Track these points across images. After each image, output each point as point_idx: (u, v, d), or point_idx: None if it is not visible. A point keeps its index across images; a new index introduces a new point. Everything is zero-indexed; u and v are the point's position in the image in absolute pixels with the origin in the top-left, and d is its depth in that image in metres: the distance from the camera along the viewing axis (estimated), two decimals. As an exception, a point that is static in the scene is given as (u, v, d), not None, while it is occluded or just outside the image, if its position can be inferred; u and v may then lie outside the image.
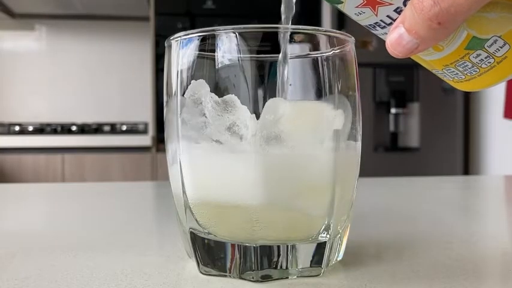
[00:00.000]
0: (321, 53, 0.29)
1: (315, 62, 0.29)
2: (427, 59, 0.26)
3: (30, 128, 2.43)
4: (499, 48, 0.24)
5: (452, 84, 0.28)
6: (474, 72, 0.25)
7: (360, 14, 0.24)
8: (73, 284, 0.28)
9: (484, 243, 0.40)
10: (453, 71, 0.26)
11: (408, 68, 2.19)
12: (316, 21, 2.32)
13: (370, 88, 2.16)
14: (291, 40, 0.29)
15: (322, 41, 0.29)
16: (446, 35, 0.22)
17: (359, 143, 0.32)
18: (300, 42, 0.29)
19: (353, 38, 0.31)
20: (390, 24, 0.24)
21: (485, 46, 0.24)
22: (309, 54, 0.29)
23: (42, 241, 0.39)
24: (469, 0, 0.20)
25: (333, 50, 0.29)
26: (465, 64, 0.25)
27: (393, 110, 2.17)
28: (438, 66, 0.26)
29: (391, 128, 2.19)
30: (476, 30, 0.24)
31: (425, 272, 0.30)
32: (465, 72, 0.26)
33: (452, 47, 0.24)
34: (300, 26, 0.29)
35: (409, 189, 0.80)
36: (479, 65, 0.25)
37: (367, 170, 1.80)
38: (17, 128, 2.44)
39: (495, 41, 0.24)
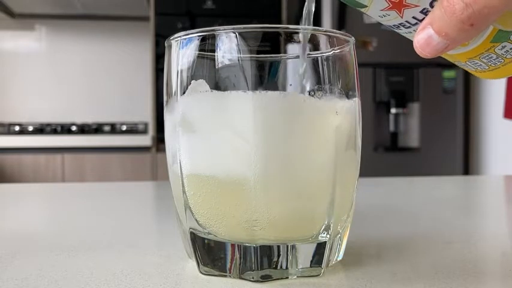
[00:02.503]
0: (321, 53, 0.29)
1: (315, 62, 0.29)
2: (451, 53, 0.26)
3: (30, 128, 2.43)
4: None
5: (473, 74, 0.28)
6: (498, 63, 0.26)
7: (385, 16, 0.25)
8: (73, 284, 0.28)
9: (484, 243, 0.40)
10: (477, 63, 0.26)
11: (408, 68, 2.19)
12: (316, 21, 2.32)
13: (370, 88, 2.16)
14: (291, 40, 0.29)
15: (322, 41, 0.29)
16: (476, 34, 0.22)
17: (359, 143, 0.32)
18: (300, 42, 0.29)
19: (353, 38, 0.31)
20: (415, 24, 0.24)
21: (511, 38, 0.24)
22: (309, 54, 0.29)
23: (42, 241, 0.39)
24: (502, 0, 0.20)
25: (333, 50, 0.29)
26: (490, 56, 0.25)
27: (393, 110, 2.17)
28: (462, 59, 0.26)
29: (391, 128, 2.19)
30: (501, 24, 0.24)
31: (425, 272, 0.30)
32: (489, 63, 0.26)
33: (478, 42, 0.25)
34: (300, 26, 0.29)
35: (409, 189, 0.80)
36: (505, 55, 0.25)
37: (367, 170, 1.80)
38: (17, 128, 2.44)
39: None
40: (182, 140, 0.30)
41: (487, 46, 0.25)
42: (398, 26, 0.25)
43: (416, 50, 0.23)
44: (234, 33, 0.28)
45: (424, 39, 0.23)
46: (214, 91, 0.28)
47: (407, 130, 2.22)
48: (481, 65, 0.26)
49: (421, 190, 0.79)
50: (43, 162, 2.14)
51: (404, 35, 0.26)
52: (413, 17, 0.24)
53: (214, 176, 0.28)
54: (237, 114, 0.28)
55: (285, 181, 0.28)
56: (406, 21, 0.24)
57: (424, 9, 0.23)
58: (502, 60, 0.25)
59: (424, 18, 0.23)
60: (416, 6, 0.23)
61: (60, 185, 1.10)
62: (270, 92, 0.28)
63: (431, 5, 0.23)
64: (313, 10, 0.29)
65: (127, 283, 0.28)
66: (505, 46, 0.25)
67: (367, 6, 0.24)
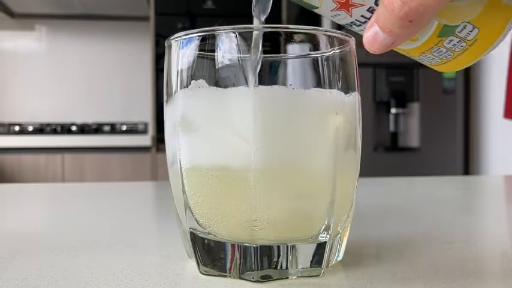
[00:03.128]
0: (321, 53, 0.29)
1: (315, 62, 0.29)
2: (404, 48, 0.27)
3: (30, 128, 2.43)
4: (469, 33, 0.26)
5: (430, 66, 0.29)
6: (449, 56, 0.27)
7: (336, 16, 0.26)
8: (73, 284, 0.28)
9: (484, 243, 0.40)
10: (429, 56, 0.28)
11: (408, 68, 2.19)
12: (316, 21, 2.32)
13: (370, 88, 2.16)
14: (291, 40, 0.29)
15: (322, 41, 0.29)
16: (418, 30, 0.24)
17: (359, 143, 0.32)
18: (300, 42, 0.29)
19: (353, 38, 0.31)
20: (365, 22, 0.25)
21: (456, 32, 0.26)
22: (309, 54, 0.29)
23: (42, 241, 0.39)
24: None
25: (333, 50, 0.29)
26: (440, 50, 0.27)
27: (393, 110, 2.17)
28: (415, 54, 0.28)
29: (391, 128, 2.19)
30: (446, 18, 0.25)
31: (425, 272, 0.30)
32: (441, 57, 0.27)
33: (426, 36, 0.26)
34: (300, 26, 0.29)
35: (409, 189, 0.80)
36: (453, 49, 0.26)
37: (367, 170, 1.80)
38: (17, 128, 2.44)
39: (464, 27, 0.25)
40: (182, 140, 0.30)
41: (435, 41, 0.26)
42: (351, 25, 0.27)
43: (365, 46, 0.25)
44: (234, 33, 0.28)
45: (371, 36, 0.24)
46: (214, 87, 0.28)
47: (407, 130, 2.22)
48: (433, 58, 0.28)
49: (421, 190, 0.79)
50: (43, 162, 2.14)
51: (359, 32, 0.27)
52: (362, 16, 0.25)
53: (214, 176, 0.28)
54: (237, 114, 0.28)
55: (285, 181, 0.28)
56: (356, 19, 0.26)
57: (370, 7, 0.25)
58: (452, 54, 0.27)
59: (370, 17, 0.25)
60: (363, 5, 0.25)
61: (60, 185, 1.10)
62: (269, 88, 0.28)
63: (376, 4, 0.24)
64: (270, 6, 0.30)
65: (127, 283, 0.28)
66: (452, 40, 0.26)
67: (318, 7, 0.25)
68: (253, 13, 0.29)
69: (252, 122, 0.27)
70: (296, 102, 0.28)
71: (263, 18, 0.29)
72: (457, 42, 0.26)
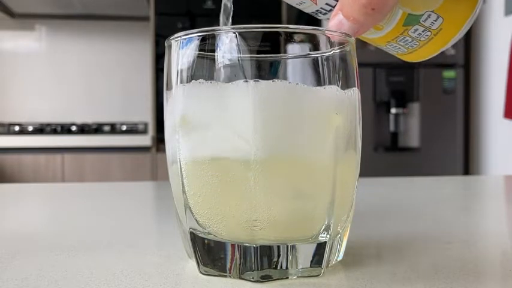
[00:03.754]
0: (321, 53, 0.29)
1: (315, 62, 0.29)
2: (370, 37, 0.28)
3: (30, 128, 2.43)
4: (434, 22, 0.26)
5: (397, 56, 0.30)
6: (415, 45, 0.28)
7: (301, 4, 0.26)
8: (73, 284, 0.28)
9: (484, 243, 0.40)
10: (395, 46, 0.28)
11: (408, 68, 2.19)
12: (316, 21, 2.32)
13: (370, 88, 2.16)
14: (291, 40, 0.29)
15: (322, 41, 0.29)
16: (381, 18, 0.24)
17: (359, 143, 0.32)
18: (300, 42, 0.29)
19: (353, 38, 0.31)
20: (330, 10, 0.26)
21: (421, 21, 0.26)
22: (309, 54, 0.29)
23: (42, 241, 0.39)
24: None
25: (333, 50, 0.29)
26: (405, 39, 0.27)
27: (393, 110, 2.17)
28: (381, 43, 0.28)
29: (391, 128, 2.19)
30: (410, 7, 0.25)
31: (425, 272, 0.30)
32: (407, 46, 0.28)
33: (391, 25, 0.26)
34: (300, 26, 0.29)
35: (409, 189, 0.80)
36: (418, 38, 0.27)
37: (367, 170, 1.80)
38: (17, 128, 2.44)
39: (429, 16, 0.26)
40: (182, 140, 0.30)
41: (400, 30, 0.26)
42: (316, 13, 0.27)
43: (329, 34, 0.25)
44: (234, 33, 0.28)
45: (336, 24, 0.25)
46: (214, 83, 0.28)
47: (407, 130, 2.22)
48: (400, 48, 0.28)
49: (421, 190, 0.79)
50: (43, 162, 2.14)
51: (325, 20, 0.27)
52: (327, 4, 0.26)
53: (214, 176, 0.28)
54: (236, 113, 0.28)
55: (285, 181, 0.28)
56: (321, 8, 0.26)
57: None
58: (418, 43, 0.27)
59: (335, 5, 0.25)
60: None
61: (60, 185, 1.10)
62: (269, 85, 0.28)
63: None
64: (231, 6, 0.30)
65: (127, 283, 0.28)
66: (417, 29, 0.26)
67: None
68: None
69: (252, 121, 0.27)
70: (296, 98, 0.28)
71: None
72: (422, 32, 0.26)
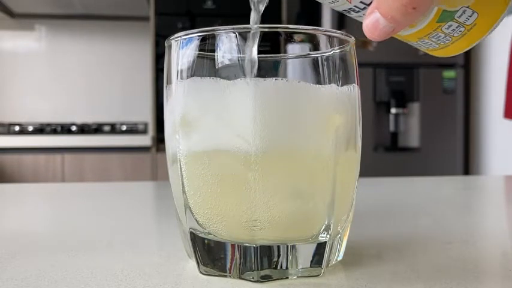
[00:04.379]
0: (321, 53, 0.29)
1: (315, 62, 0.29)
2: (402, 34, 0.27)
3: (30, 128, 2.43)
4: (468, 17, 0.25)
5: (426, 52, 0.29)
6: (447, 41, 0.27)
7: (334, 2, 0.26)
8: (73, 284, 0.28)
9: (484, 243, 0.40)
10: (427, 42, 0.27)
11: (408, 68, 2.19)
12: (316, 21, 2.32)
13: (370, 88, 2.16)
14: (291, 40, 0.29)
15: (322, 41, 0.29)
16: (420, 16, 0.23)
17: (359, 143, 0.32)
18: (300, 42, 0.29)
19: (353, 38, 0.31)
20: (364, 8, 0.25)
21: (456, 17, 0.25)
22: (309, 54, 0.29)
23: (42, 241, 0.39)
24: None
25: (333, 50, 0.29)
26: (438, 35, 0.27)
27: (393, 110, 2.17)
28: (413, 39, 0.27)
29: (391, 128, 2.19)
30: (445, 4, 0.25)
31: (425, 272, 0.30)
32: (438, 42, 0.27)
33: (425, 22, 0.26)
34: (300, 26, 0.29)
35: (409, 189, 0.80)
36: (452, 34, 0.26)
37: (367, 170, 1.80)
38: (17, 128, 2.44)
39: (464, 11, 0.25)
40: (182, 139, 0.30)
41: (434, 26, 0.26)
42: (349, 11, 0.26)
43: (365, 33, 0.24)
44: (234, 33, 0.28)
45: (372, 23, 0.24)
46: (214, 82, 0.28)
47: (407, 130, 2.22)
48: (431, 44, 0.28)
49: (421, 190, 0.79)
50: (43, 162, 2.14)
51: (356, 18, 0.27)
52: (361, 2, 0.25)
53: (214, 176, 0.28)
54: (237, 113, 0.28)
55: (285, 181, 0.28)
56: (355, 6, 0.25)
57: None
58: (450, 39, 0.27)
59: (371, 3, 0.24)
60: None
61: (60, 185, 1.10)
62: (270, 83, 0.28)
63: None
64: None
65: (127, 283, 0.28)
66: (451, 25, 0.26)
67: None
68: (251, 3, 0.29)
69: (252, 121, 0.27)
70: (297, 96, 0.28)
71: (262, 8, 0.29)
72: (456, 28, 0.26)
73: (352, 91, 0.31)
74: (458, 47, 0.27)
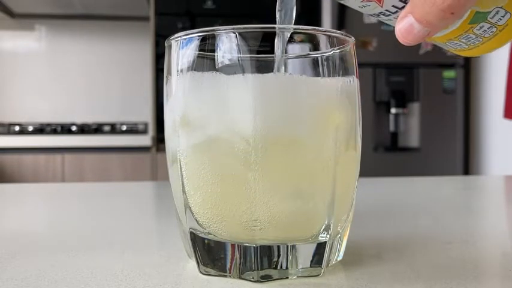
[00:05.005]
0: (321, 53, 0.29)
1: (315, 62, 0.29)
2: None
3: (30, 128, 2.43)
4: (501, 18, 0.25)
5: (453, 52, 0.29)
6: (477, 42, 0.27)
7: (365, 6, 0.25)
8: (73, 284, 0.28)
9: (484, 243, 0.40)
10: (456, 43, 0.27)
11: (408, 68, 2.19)
12: (316, 21, 2.32)
13: (370, 88, 2.16)
14: (291, 40, 0.29)
15: (322, 41, 0.29)
16: (456, 20, 0.23)
17: (359, 143, 0.32)
18: (300, 42, 0.29)
19: (353, 38, 0.31)
20: (395, 12, 0.25)
21: (488, 18, 0.25)
22: (309, 54, 0.29)
23: (42, 241, 0.39)
24: None
25: (333, 50, 0.29)
26: (469, 36, 0.26)
27: (393, 110, 2.17)
28: (442, 40, 0.27)
29: (391, 128, 2.19)
30: (479, 5, 0.24)
31: (425, 272, 0.30)
32: (468, 43, 0.27)
33: (457, 24, 0.25)
34: (300, 26, 0.29)
35: (409, 189, 0.80)
36: (483, 35, 0.26)
37: (367, 170, 1.80)
38: (17, 128, 2.44)
39: (497, 12, 0.25)
40: (182, 139, 0.30)
41: (465, 28, 0.25)
42: (378, 15, 0.26)
43: (398, 38, 0.24)
44: (234, 33, 0.28)
45: (405, 28, 0.23)
46: (213, 73, 0.28)
47: (407, 130, 2.22)
48: (460, 44, 0.27)
49: (421, 190, 0.79)
50: (43, 162, 2.14)
51: (384, 21, 0.27)
52: (393, 6, 0.25)
53: (214, 176, 0.28)
54: (237, 112, 0.28)
55: (285, 181, 0.28)
56: (386, 10, 0.25)
57: None
58: (481, 39, 0.26)
59: (403, 7, 0.24)
60: None
61: (60, 185, 1.10)
62: (268, 76, 0.28)
63: None
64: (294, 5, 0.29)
65: (127, 283, 0.28)
66: (483, 26, 0.25)
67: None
68: (277, 15, 0.29)
69: (252, 121, 0.27)
70: (296, 90, 0.28)
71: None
72: (488, 28, 0.26)
73: (352, 83, 0.30)
74: (489, 47, 0.27)
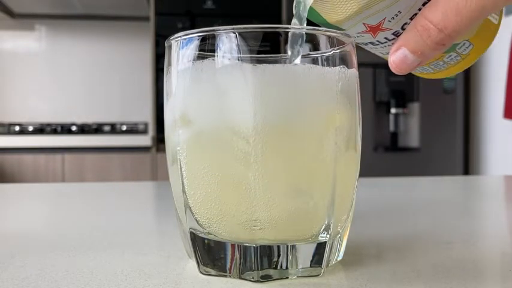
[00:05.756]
0: (321, 53, 0.29)
1: (315, 62, 0.29)
2: None
3: (30, 128, 2.43)
4: (466, 48, 0.29)
5: (417, 75, 0.32)
6: (443, 68, 0.30)
7: (359, 36, 0.28)
8: (73, 284, 0.28)
9: (484, 243, 0.40)
10: (425, 68, 0.30)
11: (408, 68, 2.18)
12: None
13: (370, 88, 2.16)
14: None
15: (322, 41, 0.29)
16: (444, 50, 0.26)
17: (359, 143, 0.32)
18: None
19: (353, 38, 0.31)
20: (385, 43, 0.28)
21: (456, 48, 0.29)
22: (309, 54, 0.29)
23: (42, 241, 0.39)
24: (463, 25, 0.24)
25: (333, 50, 0.29)
26: (438, 63, 0.30)
27: (393, 110, 2.17)
28: None
29: (391, 128, 2.19)
30: None
31: (425, 272, 0.30)
32: (435, 69, 0.30)
33: None
34: (300, 26, 0.29)
35: (409, 189, 0.80)
36: (449, 62, 0.30)
37: (367, 170, 1.80)
38: (17, 128, 2.44)
39: (463, 44, 0.29)
40: (182, 139, 0.30)
41: (438, 57, 0.29)
42: (367, 44, 0.29)
43: (391, 68, 0.26)
44: (234, 33, 0.28)
45: (400, 59, 0.26)
46: (213, 73, 0.28)
47: (407, 130, 2.22)
48: (428, 69, 0.31)
49: (421, 190, 0.79)
50: (43, 162, 2.14)
51: (369, 49, 0.30)
52: (385, 38, 0.28)
53: (214, 176, 0.28)
54: (237, 114, 0.28)
55: (285, 181, 0.28)
56: (377, 40, 0.28)
57: (395, 31, 0.27)
58: (446, 66, 0.30)
59: (393, 39, 0.27)
60: (390, 29, 0.27)
61: (60, 185, 1.10)
62: (267, 66, 0.28)
63: (403, 28, 0.27)
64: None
65: (127, 283, 0.28)
66: (451, 55, 0.29)
67: (345, 30, 0.28)
68: (294, 11, 0.29)
69: (252, 121, 0.27)
70: (295, 79, 0.28)
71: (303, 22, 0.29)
72: (454, 57, 0.29)
73: (352, 83, 0.30)
74: (450, 71, 0.30)
